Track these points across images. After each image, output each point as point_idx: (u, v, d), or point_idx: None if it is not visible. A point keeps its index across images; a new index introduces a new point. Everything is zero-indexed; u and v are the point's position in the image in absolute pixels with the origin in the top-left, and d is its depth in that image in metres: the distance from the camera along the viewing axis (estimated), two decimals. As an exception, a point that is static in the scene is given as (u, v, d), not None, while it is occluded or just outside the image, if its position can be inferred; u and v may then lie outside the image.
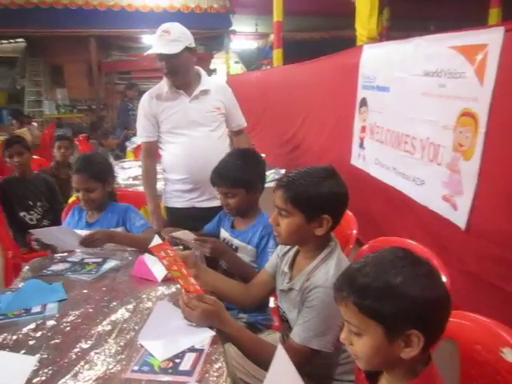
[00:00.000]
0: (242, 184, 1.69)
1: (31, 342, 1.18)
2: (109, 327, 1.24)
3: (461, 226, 2.41)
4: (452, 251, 2.50)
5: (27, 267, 1.71)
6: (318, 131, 5.12)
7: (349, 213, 1.90)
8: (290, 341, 1.22)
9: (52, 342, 1.18)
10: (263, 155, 3.78)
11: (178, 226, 2.25)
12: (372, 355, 0.80)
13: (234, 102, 2.32)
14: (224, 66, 12.50)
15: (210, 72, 13.69)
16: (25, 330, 1.24)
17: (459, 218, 2.43)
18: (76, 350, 1.14)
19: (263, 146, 7.77)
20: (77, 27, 10.04)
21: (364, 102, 3.76)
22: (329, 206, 1.22)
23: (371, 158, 3.64)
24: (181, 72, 2.10)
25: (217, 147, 2.09)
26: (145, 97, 2.20)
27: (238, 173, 1.69)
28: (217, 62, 13.74)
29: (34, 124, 7.91)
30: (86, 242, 1.75)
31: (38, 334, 1.22)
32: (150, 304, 1.37)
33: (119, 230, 1.96)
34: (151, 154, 2.26)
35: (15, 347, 1.16)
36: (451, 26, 2.68)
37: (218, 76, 13.69)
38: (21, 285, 1.49)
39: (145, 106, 2.18)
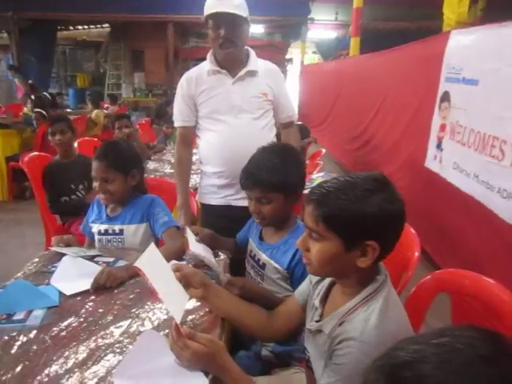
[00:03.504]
0: (282, 188, 1.38)
1: (-6, 361, 0.98)
2: (87, 353, 1.01)
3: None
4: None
5: (36, 259, 1.55)
6: (390, 127, 4.64)
7: (411, 230, 1.54)
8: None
9: (17, 365, 0.97)
10: (323, 150, 3.46)
11: (212, 225, 2.02)
12: None
13: (286, 89, 2.01)
14: (300, 56, 12.08)
15: (286, 61, 13.40)
16: (-6, 343, 1.05)
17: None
18: (38, 379, 0.92)
19: (331, 141, 7.37)
20: (157, 13, 10.16)
21: (446, 97, 3.27)
22: (376, 230, 0.89)
23: (449, 162, 3.15)
24: (238, 44, 1.82)
25: (260, 138, 1.75)
26: (184, 77, 1.95)
27: (278, 173, 1.37)
28: (293, 52, 13.38)
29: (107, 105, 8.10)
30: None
31: (6, 351, 1.02)
32: (146, 327, 1.12)
33: (144, 226, 1.75)
34: (187, 141, 2.01)
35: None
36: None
37: (294, 66, 13.35)
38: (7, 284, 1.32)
39: (183, 86, 1.93)
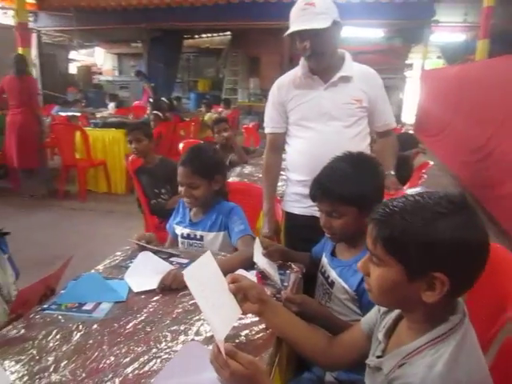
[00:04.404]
0: (354, 201, 1.27)
1: (52, 347, 1.04)
2: (136, 354, 1.02)
3: None
4: None
5: (118, 253, 1.64)
6: (517, 140, 4.11)
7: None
8: None
9: (72, 355, 1.01)
10: (431, 163, 3.15)
11: (295, 234, 1.96)
12: None
13: (383, 94, 1.85)
14: (421, 61, 11.35)
15: (406, 67, 12.70)
16: (57, 331, 1.11)
17: None
18: (87, 372, 0.95)
19: (448, 152, 6.78)
20: (273, 20, 10.37)
21: None
22: (445, 260, 0.74)
23: None
24: (327, 52, 1.73)
25: (350, 147, 1.57)
26: (275, 83, 1.92)
27: (350, 185, 1.26)
28: (414, 57, 12.65)
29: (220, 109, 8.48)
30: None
31: (67, 339, 1.08)
32: (200, 336, 1.10)
33: (222, 234, 1.75)
34: (276, 147, 1.97)
35: (38, 351, 1.03)
36: None
37: (414, 72, 12.60)
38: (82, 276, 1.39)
39: (274, 93, 1.90)
